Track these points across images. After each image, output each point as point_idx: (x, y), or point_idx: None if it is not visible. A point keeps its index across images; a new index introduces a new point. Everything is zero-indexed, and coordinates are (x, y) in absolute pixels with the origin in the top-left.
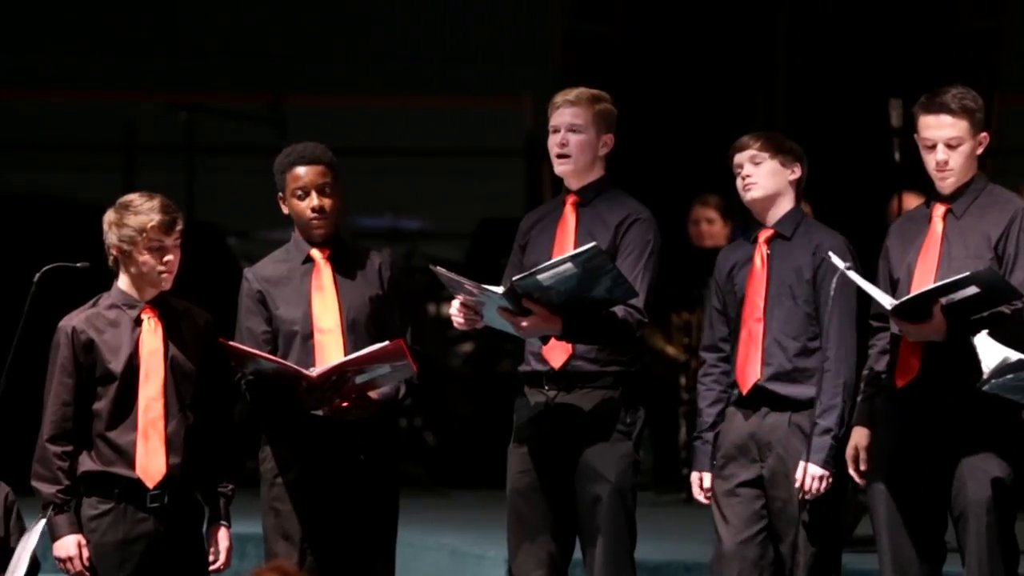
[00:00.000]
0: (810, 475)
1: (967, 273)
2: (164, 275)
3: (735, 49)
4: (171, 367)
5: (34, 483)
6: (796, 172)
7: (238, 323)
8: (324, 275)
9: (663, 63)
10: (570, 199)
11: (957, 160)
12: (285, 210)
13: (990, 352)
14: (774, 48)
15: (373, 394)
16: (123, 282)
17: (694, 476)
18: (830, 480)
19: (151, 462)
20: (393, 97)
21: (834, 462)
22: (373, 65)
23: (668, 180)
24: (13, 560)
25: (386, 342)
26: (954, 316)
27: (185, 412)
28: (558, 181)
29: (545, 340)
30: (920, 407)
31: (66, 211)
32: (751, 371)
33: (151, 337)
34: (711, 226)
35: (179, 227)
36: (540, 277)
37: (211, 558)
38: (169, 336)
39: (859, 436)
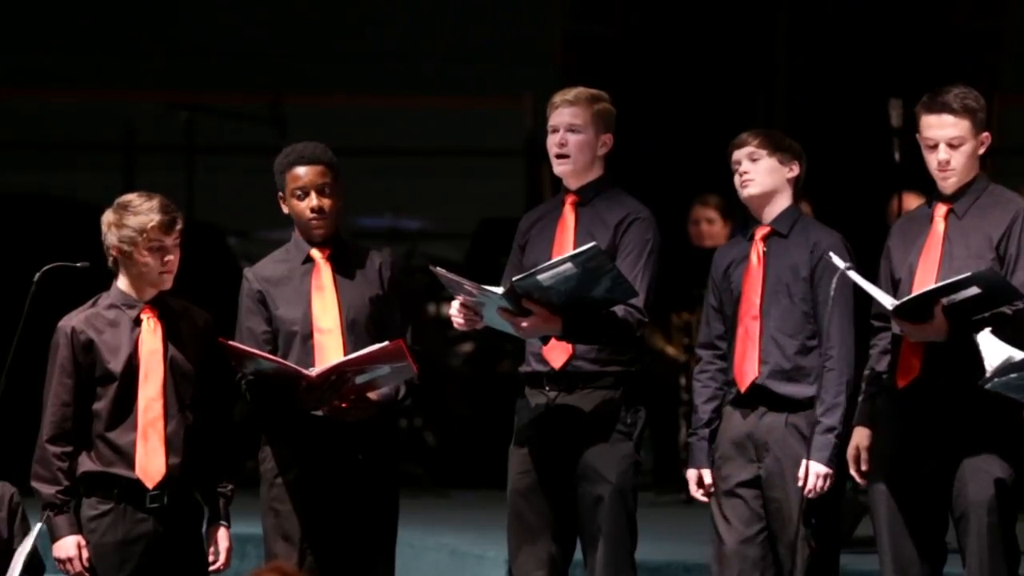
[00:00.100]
0: (814, 473)
1: (968, 273)
2: (165, 275)
3: (735, 49)
4: (170, 367)
5: (34, 484)
6: (794, 170)
7: (238, 323)
8: (324, 275)
9: (663, 63)
10: (569, 199)
11: (959, 160)
12: (285, 210)
13: (993, 350)
14: (774, 48)
15: (372, 395)
16: (122, 282)
17: (691, 473)
18: (832, 478)
19: (151, 462)
20: (393, 97)
21: (836, 460)
22: (373, 65)
23: (668, 180)
24: (12, 564)
25: (386, 342)
26: (955, 316)
27: (184, 412)
28: (558, 181)
29: (545, 340)
30: (921, 407)
31: (66, 211)
32: (749, 369)
33: (150, 337)
34: (711, 226)
35: (179, 227)
36: (540, 277)
37: (211, 558)
38: (168, 336)
39: (860, 436)
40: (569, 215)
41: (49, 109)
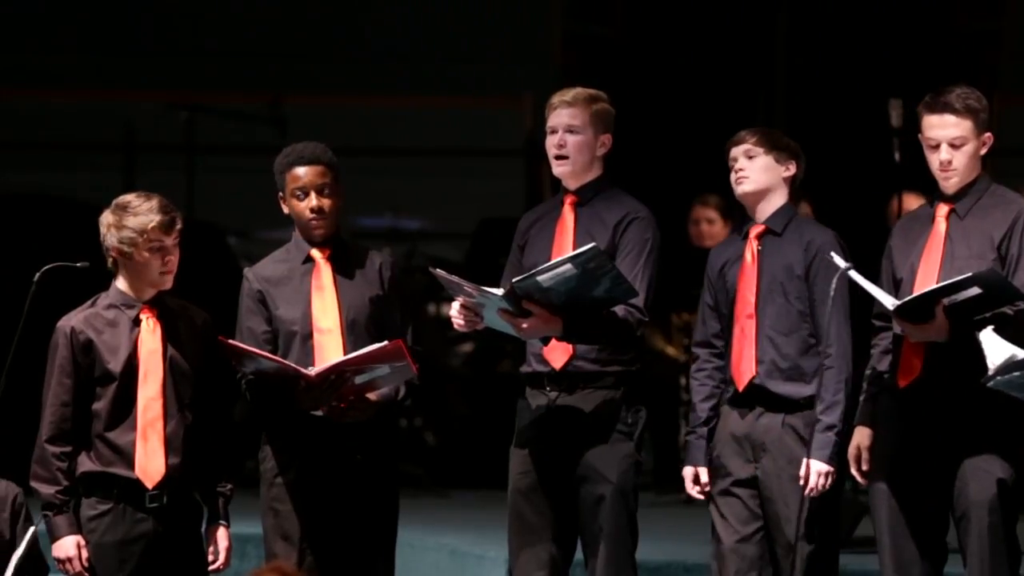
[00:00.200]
0: (815, 471)
1: (969, 274)
2: (165, 275)
3: (735, 49)
4: (170, 367)
5: (33, 484)
6: (791, 169)
7: (238, 323)
8: (324, 275)
9: (663, 63)
10: (568, 199)
11: (961, 160)
12: (285, 210)
13: (996, 348)
14: (774, 48)
15: (372, 395)
16: (121, 282)
17: (687, 471)
18: (834, 476)
19: (150, 462)
20: (393, 97)
21: (838, 458)
22: (373, 65)
23: (668, 180)
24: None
25: (385, 342)
26: (956, 317)
27: (184, 412)
28: (557, 181)
29: (546, 341)
30: (922, 407)
31: (66, 211)
32: (746, 368)
33: (150, 337)
34: (711, 226)
35: (178, 226)
36: (540, 278)
37: (210, 558)
38: (168, 336)
39: (861, 436)
40: (568, 215)
41: (49, 109)
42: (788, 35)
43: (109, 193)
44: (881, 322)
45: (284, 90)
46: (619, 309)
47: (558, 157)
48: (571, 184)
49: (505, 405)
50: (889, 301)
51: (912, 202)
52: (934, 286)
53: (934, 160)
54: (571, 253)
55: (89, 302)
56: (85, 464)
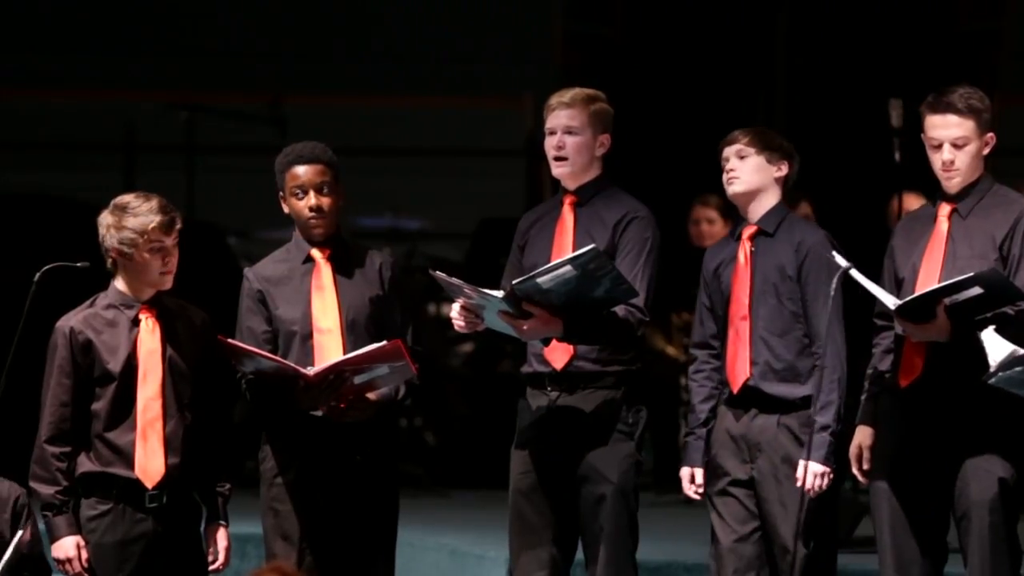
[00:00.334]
0: (812, 472)
1: (971, 274)
2: (165, 275)
3: (735, 49)
4: (169, 367)
5: (32, 484)
6: (783, 170)
7: (238, 323)
8: (324, 275)
9: (663, 63)
10: (568, 199)
11: (963, 160)
12: (285, 209)
13: (997, 346)
14: (774, 48)
15: (371, 395)
16: (120, 282)
17: (684, 471)
18: (831, 476)
19: (150, 462)
20: (393, 97)
21: (834, 459)
22: (373, 65)
23: (668, 180)
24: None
25: (384, 342)
26: (958, 317)
27: (183, 412)
28: (557, 181)
29: (547, 342)
30: (923, 407)
31: (66, 211)
32: (740, 370)
33: (149, 337)
34: (711, 226)
35: (178, 226)
36: (539, 280)
37: (210, 558)
38: (167, 336)
39: (863, 435)
40: (568, 215)
41: (49, 109)
42: (788, 35)
43: (109, 193)
44: (883, 321)
45: (284, 90)
46: (619, 309)
47: (557, 158)
48: (570, 184)
49: (505, 405)
50: (890, 301)
51: (912, 202)
52: (935, 286)
53: (936, 160)
54: (571, 255)
55: (88, 302)
56: (84, 464)
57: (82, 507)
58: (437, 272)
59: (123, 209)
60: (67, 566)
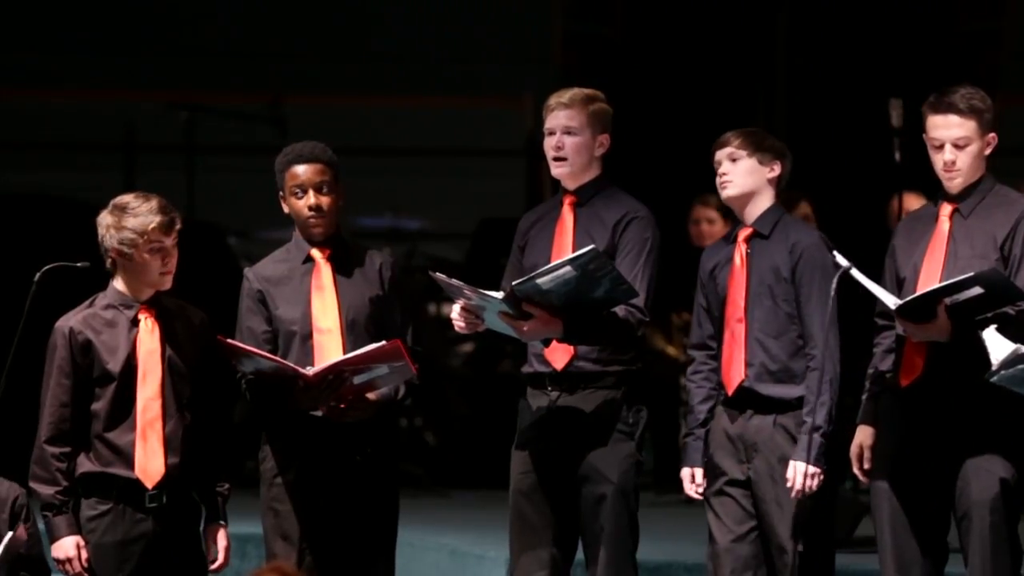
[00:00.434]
0: (800, 473)
1: (971, 273)
2: (165, 276)
3: (735, 49)
4: (168, 367)
5: (32, 484)
6: (775, 170)
7: (239, 323)
8: (324, 275)
9: (663, 63)
10: (567, 199)
11: (965, 160)
12: (285, 209)
13: (999, 345)
14: (774, 48)
15: (371, 395)
16: (119, 283)
17: (685, 472)
18: (821, 478)
19: (150, 462)
20: (393, 97)
21: (824, 459)
22: (373, 65)
23: (668, 180)
24: None
25: (383, 342)
26: (958, 316)
27: (183, 412)
28: (557, 181)
29: (547, 342)
30: (924, 406)
31: (66, 211)
32: (735, 372)
33: (148, 337)
34: (711, 226)
35: (177, 227)
36: (539, 281)
37: (210, 558)
38: (166, 336)
39: (864, 435)
40: (567, 215)
41: (49, 109)
42: (788, 35)
43: (109, 193)
44: (884, 321)
45: (284, 90)
46: (619, 309)
47: (556, 159)
48: (570, 184)
49: (505, 405)
50: (891, 300)
51: (912, 202)
52: (936, 286)
53: (938, 160)
54: (570, 255)
55: (87, 302)
56: (84, 465)
57: (82, 507)
58: (437, 273)
59: (123, 209)
60: (67, 566)
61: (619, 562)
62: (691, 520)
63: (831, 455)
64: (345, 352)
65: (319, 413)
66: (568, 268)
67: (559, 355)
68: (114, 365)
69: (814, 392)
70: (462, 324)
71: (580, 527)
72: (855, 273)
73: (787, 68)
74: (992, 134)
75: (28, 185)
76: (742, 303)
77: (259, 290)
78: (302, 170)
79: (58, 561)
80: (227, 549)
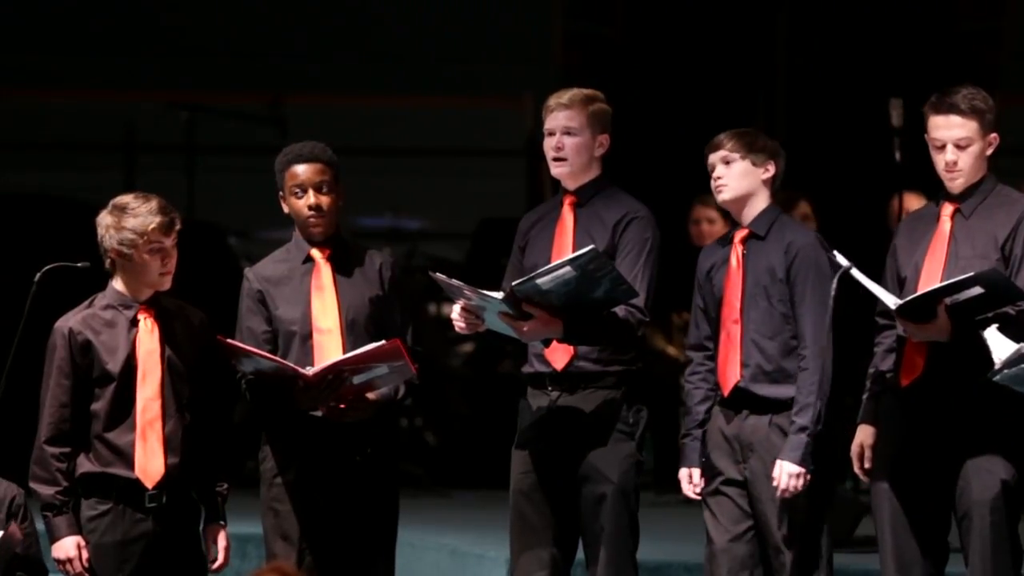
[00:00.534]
0: (786, 473)
1: (971, 273)
2: (164, 276)
3: (735, 49)
4: (168, 367)
5: (32, 485)
6: (769, 170)
7: (239, 323)
8: (324, 275)
9: (664, 63)
10: (568, 199)
11: (966, 161)
12: (285, 209)
13: (1001, 344)
14: (774, 48)
15: (371, 395)
16: (119, 283)
17: (683, 472)
18: (807, 478)
19: (150, 462)
20: (393, 97)
21: (811, 460)
22: (373, 65)
23: (669, 180)
24: None
25: (382, 341)
26: (958, 316)
27: (182, 412)
28: (557, 181)
29: (547, 342)
30: (925, 406)
31: (66, 211)
32: (731, 373)
33: (148, 337)
34: (712, 226)
35: (177, 227)
36: (539, 281)
37: (210, 558)
38: (165, 336)
39: (865, 434)
40: (568, 216)
41: (49, 109)
42: (788, 35)
43: (109, 193)
44: (885, 320)
45: (284, 90)
46: (619, 309)
47: (556, 159)
48: (570, 184)
49: (506, 405)
50: (891, 300)
51: (912, 202)
52: (936, 285)
53: (940, 161)
54: (570, 256)
55: (86, 303)
56: (84, 465)
57: (82, 507)
58: (437, 274)
59: (122, 210)
60: (68, 566)
61: (619, 562)
62: (691, 520)
63: (822, 455)
64: (345, 352)
65: (319, 413)
66: (568, 268)
67: (559, 355)
68: (114, 365)
69: (802, 392)
70: (462, 324)
71: (580, 527)
72: (855, 273)
73: (787, 68)
74: (994, 134)
75: (28, 185)
76: (738, 304)
77: (259, 290)
78: (302, 170)
79: (59, 561)
80: (227, 549)
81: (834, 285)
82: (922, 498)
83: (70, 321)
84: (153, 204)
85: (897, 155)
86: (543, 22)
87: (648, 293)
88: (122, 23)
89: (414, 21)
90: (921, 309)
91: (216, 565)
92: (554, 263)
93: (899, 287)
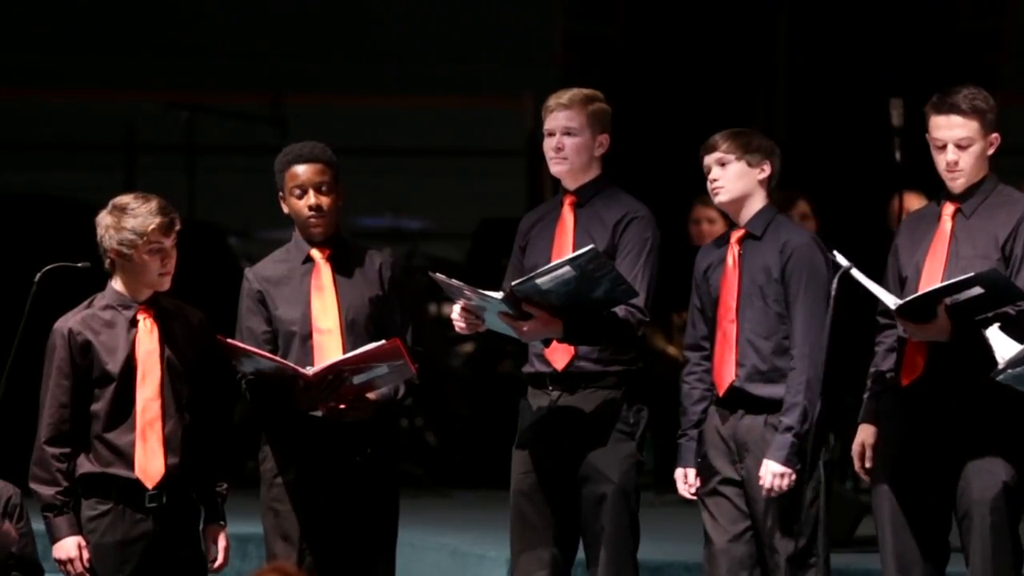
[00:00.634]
0: (771, 472)
1: (972, 273)
2: (164, 276)
3: (735, 49)
4: (167, 367)
5: (32, 485)
6: (765, 170)
7: (238, 323)
8: (324, 275)
9: (664, 63)
10: (568, 199)
11: (967, 160)
12: (285, 209)
13: (1003, 344)
14: (774, 48)
15: (371, 395)
16: (118, 283)
17: (679, 472)
18: (792, 478)
19: (150, 462)
20: (393, 97)
21: (796, 459)
22: (373, 65)
23: (669, 180)
24: None
25: (382, 341)
26: (959, 316)
27: (182, 412)
28: (558, 181)
29: (547, 342)
30: (925, 406)
31: (66, 211)
32: (726, 372)
33: (147, 338)
34: (712, 226)
35: (177, 227)
36: (539, 281)
37: (210, 558)
38: (165, 336)
39: (866, 433)
40: (568, 216)
41: (49, 109)
42: (788, 35)
43: (109, 193)
44: (885, 320)
45: (284, 90)
46: (620, 309)
47: (556, 159)
48: (570, 184)
49: (506, 405)
50: (891, 300)
51: (913, 202)
52: (936, 285)
53: (941, 161)
54: (570, 255)
55: (85, 303)
56: (84, 465)
57: (82, 508)
58: (437, 274)
59: (122, 210)
60: (68, 566)
61: (620, 562)
62: (691, 520)
63: (802, 454)
64: (345, 352)
65: (319, 413)
66: (567, 268)
67: (560, 355)
68: (113, 366)
69: (791, 392)
70: (462, 324)
71: (581, 527)
72: (855, 273)
73: (787, 68)
74: (995, 134)
75: (28, 185)
76: (734, 304)
77: (259, 290)
78: (302, 170)
79: (59, 561)
80: (227, 549)
81: (834, 285)
82: (923, 498)
83: (69, 321)
84: (153, 204)
85: (897, 155)
86: (543, 22)
87: (648, 293)
88: (122, 23)
89: (414, 21)
90: (921, 309)
91: (216, 565)
92: (554, 263)
93: (900, 287)
